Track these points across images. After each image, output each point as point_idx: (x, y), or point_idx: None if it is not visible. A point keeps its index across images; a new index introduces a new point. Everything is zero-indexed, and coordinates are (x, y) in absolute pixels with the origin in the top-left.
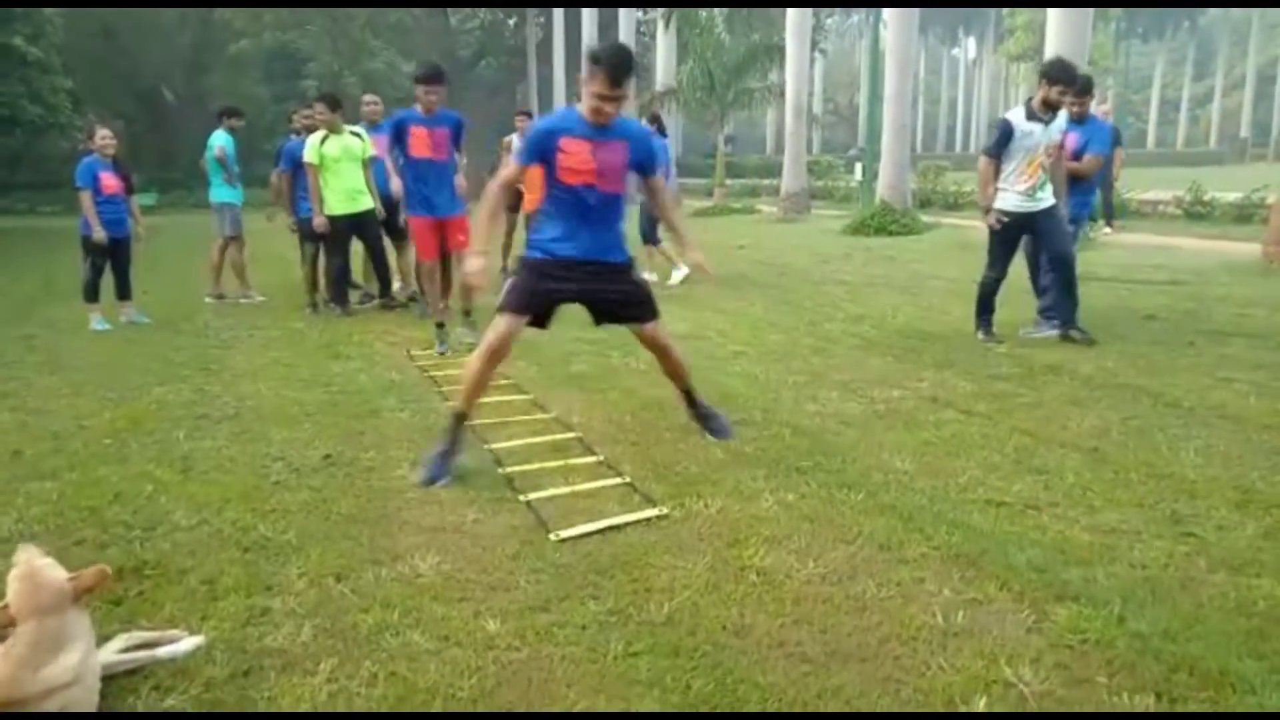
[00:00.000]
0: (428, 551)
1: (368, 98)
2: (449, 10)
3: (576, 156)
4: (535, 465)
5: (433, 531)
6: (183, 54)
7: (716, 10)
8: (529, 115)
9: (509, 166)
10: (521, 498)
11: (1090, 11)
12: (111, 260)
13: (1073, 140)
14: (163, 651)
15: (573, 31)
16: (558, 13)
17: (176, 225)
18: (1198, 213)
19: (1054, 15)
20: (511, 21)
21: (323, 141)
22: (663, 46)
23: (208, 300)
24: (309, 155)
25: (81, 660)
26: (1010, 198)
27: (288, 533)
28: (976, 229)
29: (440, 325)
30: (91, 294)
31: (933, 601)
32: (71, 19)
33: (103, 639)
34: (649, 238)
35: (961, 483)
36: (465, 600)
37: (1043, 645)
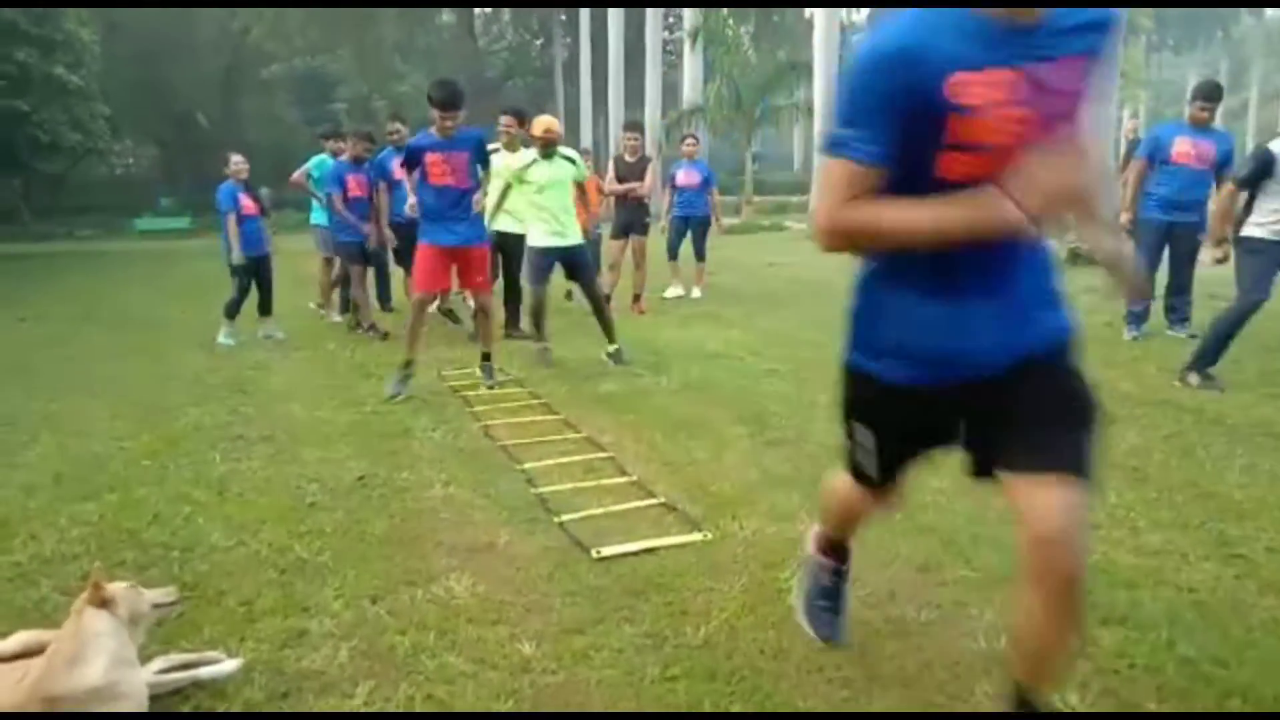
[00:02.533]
0: (462, 573)
1: (390, 126)
2: (476, 32)
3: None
4: (568, 486)
5: (467, 553)
6: (216, 79)
7: (743, 28)
8: (515, 115)
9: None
10: (555, 519)
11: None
12: (256, 278)
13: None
14: (204, 672)
15: (599, 52)
16: (584, 33)
17: (209, 248)
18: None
19: None
20: (538, 43)
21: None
22: (689, 65)
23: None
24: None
25: (108, 670)
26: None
27: (323, 554)
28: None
29: (407, 364)
30: (233, 310)
31: (975, 625)
32: (109, 45)
33: (143, 660)
34: (673, 252)
35: (1000, 504)
36: (500, 622)
37: (1089, 670)
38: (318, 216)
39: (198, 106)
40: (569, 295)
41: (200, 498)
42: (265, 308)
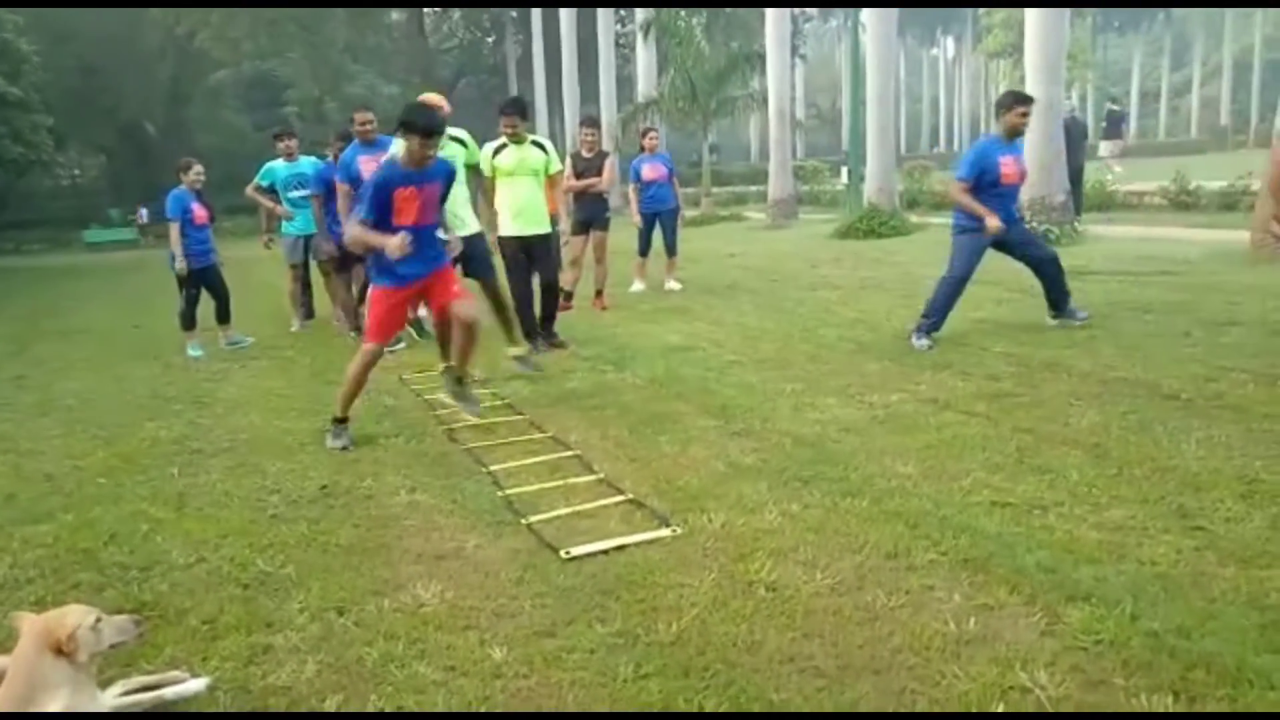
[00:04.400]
0: (430, 580)
1: (361, 115)
2: (427, 31)
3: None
4: (535, 486)
5: (434, 559)
6: (162, 87)
7: (695, 20)
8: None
9: None
10: (523, 520)
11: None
12: (206, 287)
13: None
14: (169, 692)
15: (552, 47)
16: (536, 29)
17: (160, 259)
18: (1184, 202)
19: (1032, 12)
20: (490, 40)
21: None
22: (643, 58)
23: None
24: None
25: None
26: None
27: (287, 567)
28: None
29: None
30: (188, 322)
31: (944, 609)
32: (49, 56)
33: (101, 685)
34: (642, 251)
35: (965, 485)
36: (470, 628)
37: (1057, 648)
38: (288, 226)
39: (145, 115)
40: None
41: (158, 515)
42: (223, 315)
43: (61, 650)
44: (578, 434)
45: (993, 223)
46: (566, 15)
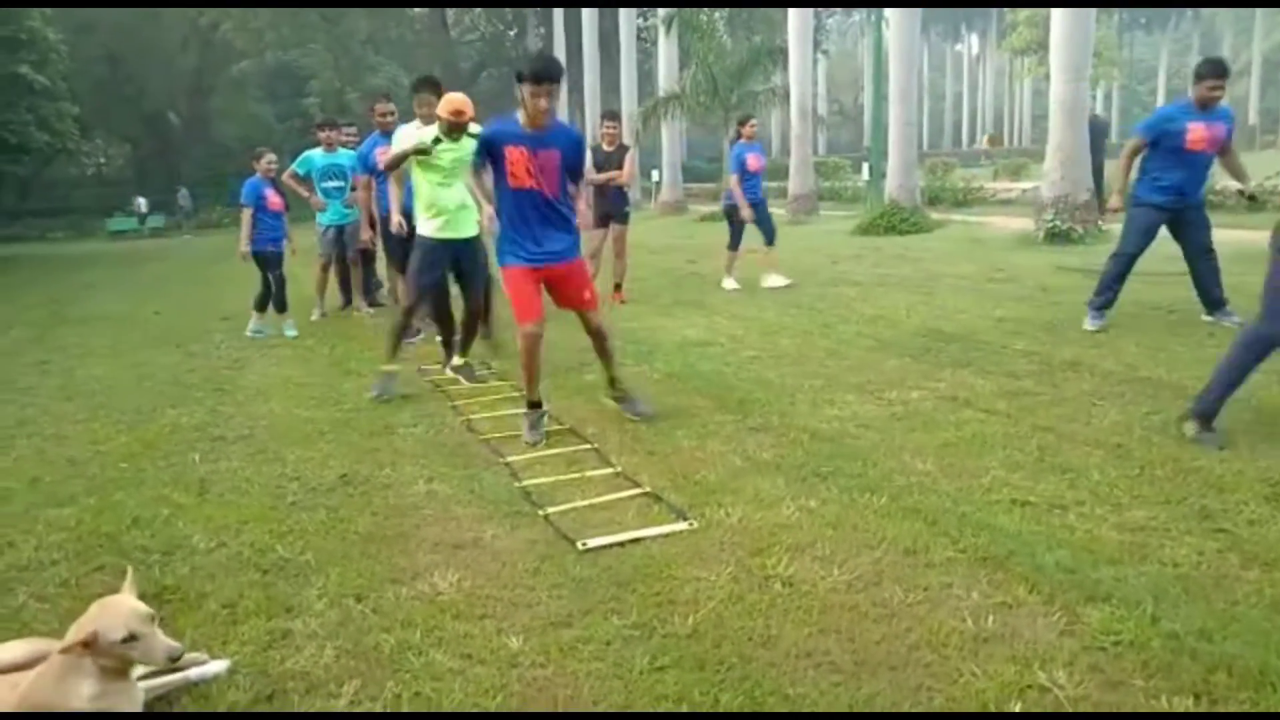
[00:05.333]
0: (447, 569)
1: (382, 106)
2: (449, 23)
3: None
4: (552, 478)
5: (451, 548)
6: (186, 77)
7: (718, 14)
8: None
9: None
10: (540, 512)
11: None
12: (270, 272)
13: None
14: (194, 674)
15: (573, 40)
16: (558, 22)
17: (183, 247)
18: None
19: (1058, 9)
20: (512, 33)
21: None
22: (664, 52)
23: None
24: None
25: (95, 696)
26: None
27: (306, 553)
28: (989, 225)
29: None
30: (265, 304)
31: (961, 606)
32: (77, 46)
33: None
34: (734, 245)
35: (985, 483)
36: (487, 617)
37: (1076, 648)
38: (323, 217)
39: (168, 105)
40: None
41: (180, 500)
42: (280, 304)
43: (87, 645)
44: (595, 427)
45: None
46: (589, 9)
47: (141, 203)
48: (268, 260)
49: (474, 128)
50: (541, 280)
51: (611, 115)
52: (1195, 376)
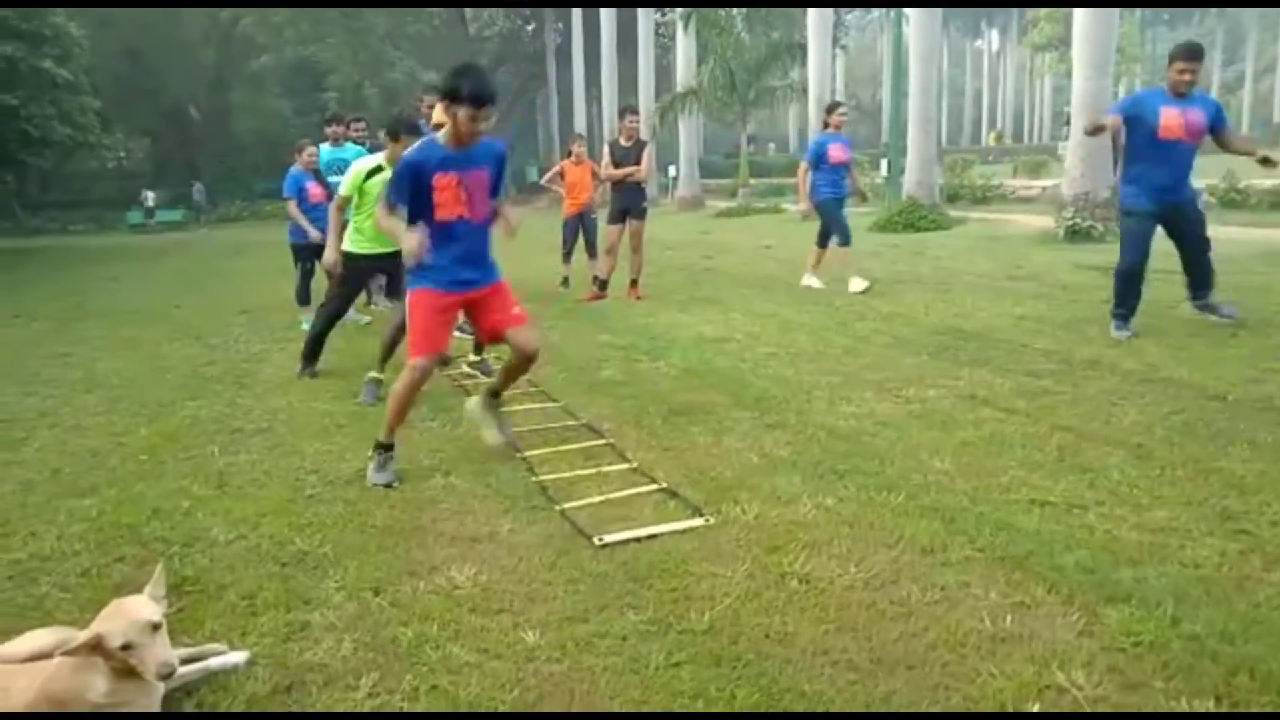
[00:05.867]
0: (464, 563)
1: (432, 98)
2: (468, 18)
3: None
4: (568, 473)
5: (468, 542)
6: (206, 72)
7: (736, 10)
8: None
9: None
10: (556, 507)
11: None
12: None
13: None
14: (215, 663)
15: (591, 36)
16: (576, 18)
17: (201, 240)
18: (1233, 200)
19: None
20: (530, 28)
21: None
22: (682, 48)
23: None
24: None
25: (109, 691)
26: None
27: (324, 546)
28: (1009, 222)
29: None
30: (304, 296)
31: (979, 605)
32: (98, 40)
33: None
34: (823, 241)
35: (1003, 482)
36: (503, 612)
37: (1095, 649)
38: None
39: (188, 99)
40: (565, 282)
41: (199, 492)
42: (301, 296)
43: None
44: (611, 422)
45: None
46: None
47: (149, 196)
48: (300, 251)
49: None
50: (459, 309)
51: (632, 110)
52: (1216, 377)
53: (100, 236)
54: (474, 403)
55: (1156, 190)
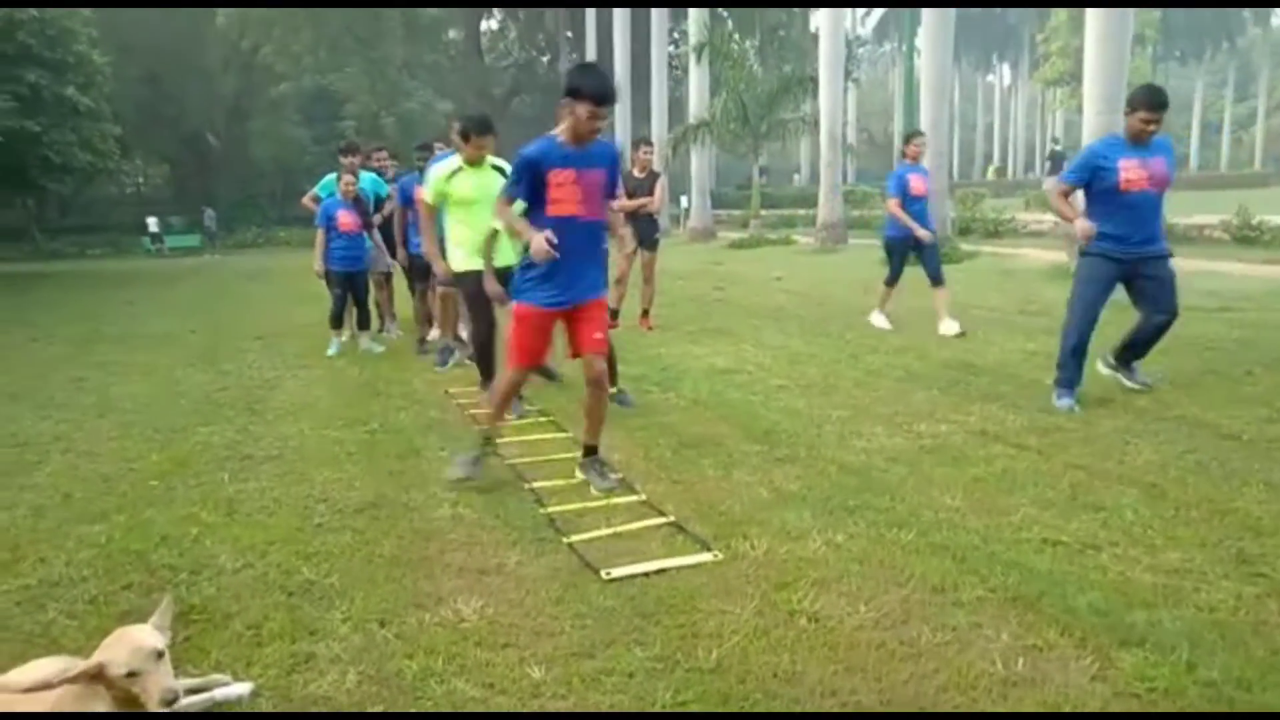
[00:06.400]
0: (471, 595)
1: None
2: (483, 49)
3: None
4: (577, 505)
5: (476, 574)
6: (225, 99)
7: (748, 43)
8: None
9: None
10: (564, 539)
11: (1129, 34)
12: (351, 292)
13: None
14: (219, 694)
15: (605, 66)
16: (590, 49)
17: (213, 266)
18: (1246, 237)
19: (1092, 39)
20: (545, 59)
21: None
22: (695, 80)
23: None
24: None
25: None
26: None
27: (331, 576)
28: (1020, 257)
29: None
30: (334, 321)
31: (991, 647)
32: (120, 67)
33: None
34: (892, 279)
35: (1015, 521)
36: (509, 646)
37: (1108, 694)
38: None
39: (207, 126)
40: None
41: (208, 519)
42: (362, 322)
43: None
44: (621, 454)
45: (1082, 224)
46: (620, 36)
47: (152, 223)
48: (332, 278)
49: (499, 160)
50: (557, 322)
51: (646, 142)
52: (1231, 416)
53: (117, 261)
54: (579, 470)
55: (1121, 242)
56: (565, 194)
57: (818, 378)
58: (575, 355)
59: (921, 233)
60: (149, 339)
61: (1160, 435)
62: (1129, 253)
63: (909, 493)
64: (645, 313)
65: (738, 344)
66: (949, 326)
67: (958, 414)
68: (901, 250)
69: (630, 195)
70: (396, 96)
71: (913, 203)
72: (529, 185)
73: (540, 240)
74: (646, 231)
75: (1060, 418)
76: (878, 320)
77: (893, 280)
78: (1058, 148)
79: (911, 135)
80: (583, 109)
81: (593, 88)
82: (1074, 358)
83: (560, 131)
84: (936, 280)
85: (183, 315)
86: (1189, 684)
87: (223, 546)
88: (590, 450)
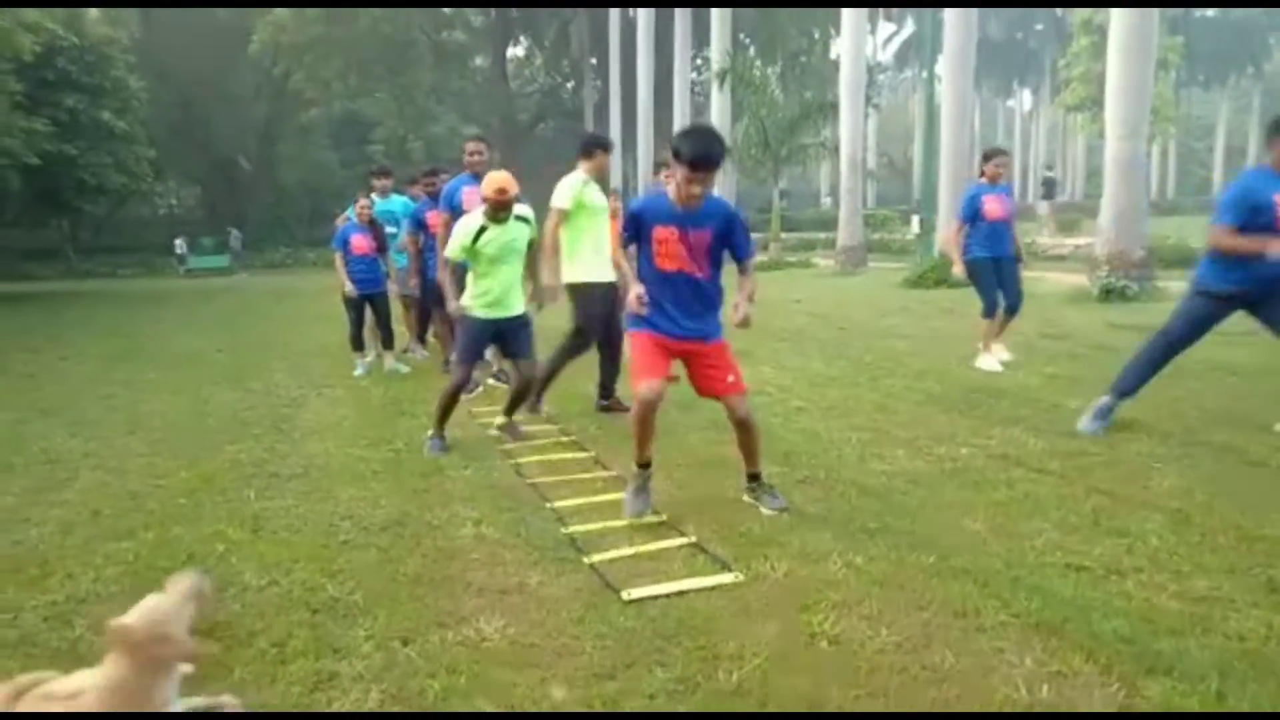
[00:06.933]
0: (493, 614)
1: (473, 145)
2: (509, 75)
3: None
4: (598, 525)
5: (498, 594)
6: (256, 124)
7: (770, 69)
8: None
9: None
10: (585, 559)
11: (1153, 59)
12: (372, 311)
13: None
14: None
15: (629, 93)
16: (614, 75)
17: (240, 286)
18: None
19: (1114, 64)
20: (569, 85)
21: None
22: (717, 105)
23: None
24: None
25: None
26: None
27: (355, 594)
28: (1041, 280)
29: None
30: (354, 344)
31: (1014, 673)
32: (154, 91)
33: None
34: (989, 310)
35: (1038, 545)
36: (531, 666)
37: None
38: (399, 258)
39: (238, 149)
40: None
41: (234, 536)
42: (386, 342)
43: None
44: None
45: (1275, 248)
46: (644, 62)
47: (179, 244)
48: (349, 301)
49: (520, 208)
50: (674, 355)
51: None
52: (1259, 441)
53: (148, 280)
54: (746, 494)
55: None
56: (670, 250)
57: (838, 400)
58: (707, 395)
59: (956, 267)
60: (177, 357)
61: (1185, 460)
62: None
63: (930, 516)
64: None
65: (757, 366)
66: (997, 356)
67: (979, 437)
68: (987, 272)
69: None
70: (423, 121)
71: (988, 227)
72: (635, 233)
73: (635, 293)
74: None
75: (1084, 442)
76: (986, 363)
77: (990, 310)
78: (1050, 174)
79: (992, 153)
80: (680, 172)
81: (689, 151)
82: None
83: (670, 189)
84: (1016, 310)
85: (210, 334)
86: (1218, 714)
87: (248, 564)
88: (754, 477)
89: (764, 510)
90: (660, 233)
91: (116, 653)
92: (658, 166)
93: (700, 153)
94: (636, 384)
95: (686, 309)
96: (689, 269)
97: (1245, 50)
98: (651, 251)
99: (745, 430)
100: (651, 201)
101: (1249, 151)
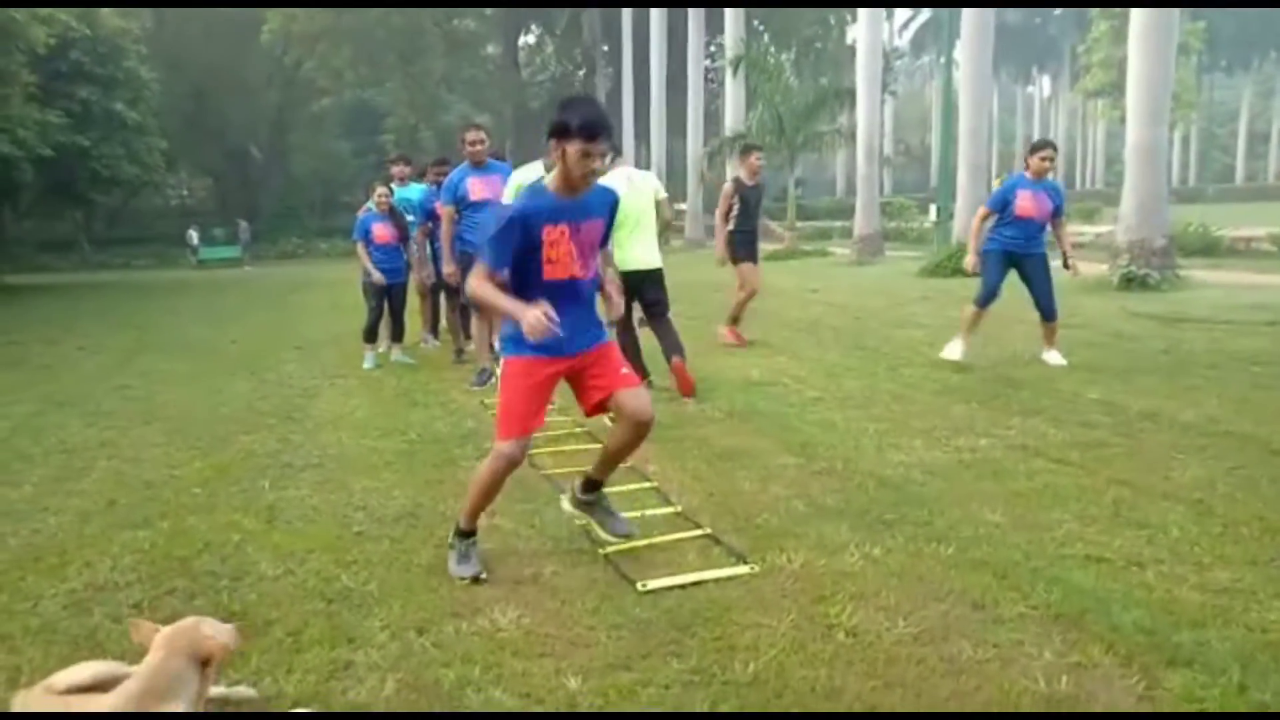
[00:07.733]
0: (508, 605)
1: (472, 134)
2: (520, 64)
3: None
4: None
5: (512, 584)
6: (267, 113)
7: (785, 56)
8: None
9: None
10: (600, 550)
11: (1174, 45)
12: (388, 302)
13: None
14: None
15: (641, 81)
16: (627, 63)
17: (257, 277)
18: None
19: (1135, 50)
20: (581, 73)
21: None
22: (731, 93)
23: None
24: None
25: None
26: None
27: (370, 584)
28: (1060, 269)
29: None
30: (369, 335)
31: (1033, 665)
32: (167, 83)
33: None
34: (983, 300)
35: (1058, 537)
36: (546, 656)
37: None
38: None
39: (250, 140)
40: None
41: (249, 526)
42: (396, 334)
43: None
44: (656, 465)
45: None
46: (657, 49)
47: (193, 235)
48: (369, 290)
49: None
50: (561, 376)
51: (758, 148)
52: None
53: (161, 271)
54: (567, 503)
55: None
56: (562, 253)
57: (855, 390)
58: (598, 411)
59: (969, 258)
60: (191, 348)
61: (1207, 451)
62: None
63: (948, 507)
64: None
65: (773, 356)
66: (1055, 358)
67: (997, 428)
68: (996, 264)
69: (745, 203)
70: (435, 110)
71: (1015, 224)
72: (517, 249)
73: (535, 316)
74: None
75: (1104, 432)
76: (951, 351)
77: (983, 300)
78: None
79: (1039, 146)
80: (573, 148)
81: (581, 119)
82: None
83: (549, 181)
84: (1047, 316)
85: (223, 325)
86: (1240, 705)
87: (263, 553)
88: (595, 485)
89: (605, 535)
90: (550, 234)
91: (154, 644)
92: (746, 149)
93: (595, 118)
94: (506, 434)
95: (576, 320)
96: (578, 273)
97: (1269, 34)
98: (540, 261)
99: (642, 432)
100: (532, 201)
101: (1272, 138)
